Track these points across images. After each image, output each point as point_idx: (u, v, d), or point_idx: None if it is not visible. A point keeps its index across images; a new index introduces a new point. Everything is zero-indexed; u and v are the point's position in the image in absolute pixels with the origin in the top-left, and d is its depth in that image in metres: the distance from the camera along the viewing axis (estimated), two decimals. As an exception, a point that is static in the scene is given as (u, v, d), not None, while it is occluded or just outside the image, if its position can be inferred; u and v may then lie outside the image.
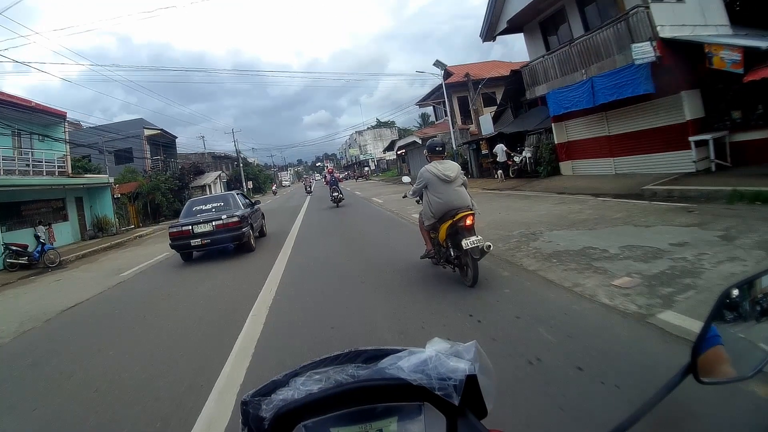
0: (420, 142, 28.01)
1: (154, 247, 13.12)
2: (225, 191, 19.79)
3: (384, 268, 5.70)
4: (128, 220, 23.35)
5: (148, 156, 30.20)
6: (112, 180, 21.55)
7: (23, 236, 13.76)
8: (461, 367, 0.60)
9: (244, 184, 44.97)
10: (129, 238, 17.52)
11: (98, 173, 21.86)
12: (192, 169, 32.58)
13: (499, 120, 20.31)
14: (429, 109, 42.25)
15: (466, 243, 4.08)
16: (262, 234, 11.14)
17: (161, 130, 32.68)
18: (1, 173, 14.52)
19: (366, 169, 58.07)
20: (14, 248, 12.56)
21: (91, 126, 25.45)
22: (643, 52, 9.59)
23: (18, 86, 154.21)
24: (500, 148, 16.67)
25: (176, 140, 36.13)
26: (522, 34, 15.32)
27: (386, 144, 49.19)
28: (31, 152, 17.05)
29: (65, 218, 18.43)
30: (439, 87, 24.65)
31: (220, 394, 2.81)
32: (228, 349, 3.58)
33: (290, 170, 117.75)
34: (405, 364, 0.61)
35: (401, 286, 4.77)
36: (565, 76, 12.54)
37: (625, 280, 3.94)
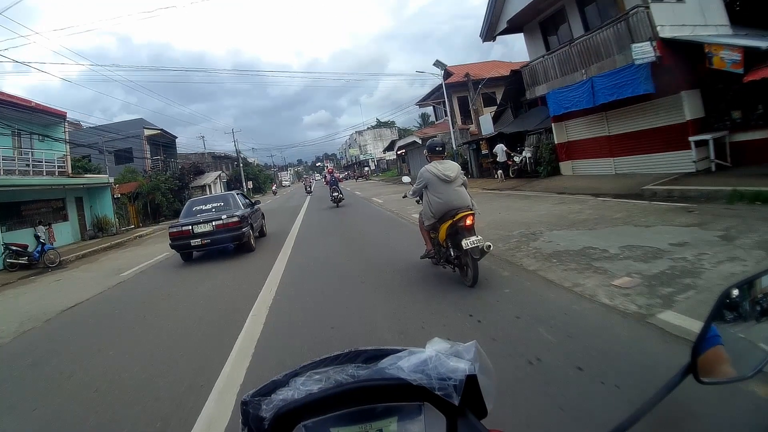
0: (420, 142, 28.01)
1: (154, 247, 13.11)
2: (225, 191, 19.80)
3: (384, 268, 5.70)
4: (128, 220, 23.35)
5: (148, 156, 30.20)
6: (112, 180, 21.55)
7: (23, 236, 13.76)
8: (461, 367, 0.60)
9: (244, 184, 44.96)
10: (129, 238, 17.52)
11: (98, 173, 21.86)
12: (192, 169, 32.58)
13: (499, 120, 20.31)
14: (429, 109, 42.26)
15: (466, 243, 4.08)
16: (262, 234, 11.14)
17: (161, 130, 32.68)
18: (1, 173, 14.53)
19: (366, 169, 58.06)
20: (14, 248, 12.56)
21: (91, 126, 25.47)
22: (643, 52, 9.58)
23: (18, 86, 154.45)
24: (500, 148, 16.67)
25: (176, 140, 36.15)
26: (522, 34, 15.31)
27: (386, 144, 49.19)
28: (31, 152, 17.05)
29: (65, 218, 18.43)
30: (439, 87, 24.65)
31: (220, 394, 2.81)
32: (228, 349, 3.58)
33: (290, 170, 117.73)
34: (405, 364, 0.61)
35: (401, 286, 4.76)
36: (565, 76, 12.53)
37: (625, 280, 3.94)
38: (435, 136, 21.63)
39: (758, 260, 3.94)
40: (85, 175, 20.50)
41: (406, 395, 0.61)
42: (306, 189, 31.38)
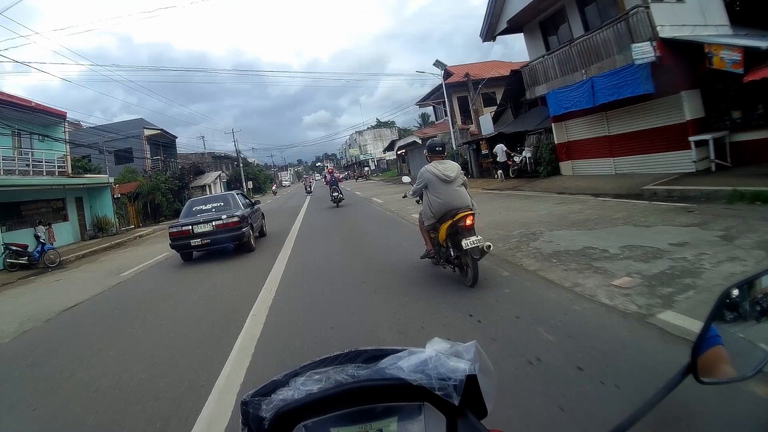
0: (420, 142, 28.01)
1: (153, 248, 13.11)
2: (225, 191, 19.81)
3: (384, 268, 5.69)
4: (128, 220, 23.35)
5: (148, 156, 30.18)
6: (112, 180, 21.53)
7: (23, 236, 13.76)
8: (461, 367, 0.60)
9: (244, 184, 44.95)
10: (129, 238, 17.51)
11: (98, 173, 21.86)
12: (192, 169, 32.58)
13: (499, 120, 20.31)
14: (429, 110, 42.25)
15: (466, 243, 4.09)
16: (262, 234, 11.15)
17: (161, 130, 32.67)
18: (1, 173, 14.52)
19: (366, 169, 58.03)
20: (14, 248, 12.56)
21: (91, 126, 25.47)
22: (643, 52, 9.58)
23: (19, 86, 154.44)
24: (500, 148, 16.66)
25: (176, 140, 36.13)
26: (522, 34, 15.31)
27: (386, 144, 49.19)
28: (31, 152, 17.04)
29: (65, 218, 18.42)
30: (439, 87, 24.65)
31: (220, 394, 2.80)
32: (228, 349, 3.58)
33: (290, 170, 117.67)
34: (405, 364, 0.61)
35: (401, 286, 4.76)
36: (565, 76, 12.53)
37: (625, 280, 3.94)
38: (435, 136, 21.64)
39: (758, 260, 3.94)
40: (85, 175, 20.49)
41: (406, 395, 0.61)
42: (306, 189, 31.36)
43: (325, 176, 23.12)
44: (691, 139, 9.55)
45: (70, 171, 18.81)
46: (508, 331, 3.07)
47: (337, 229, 10.84)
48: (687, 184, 8.39)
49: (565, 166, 14.16)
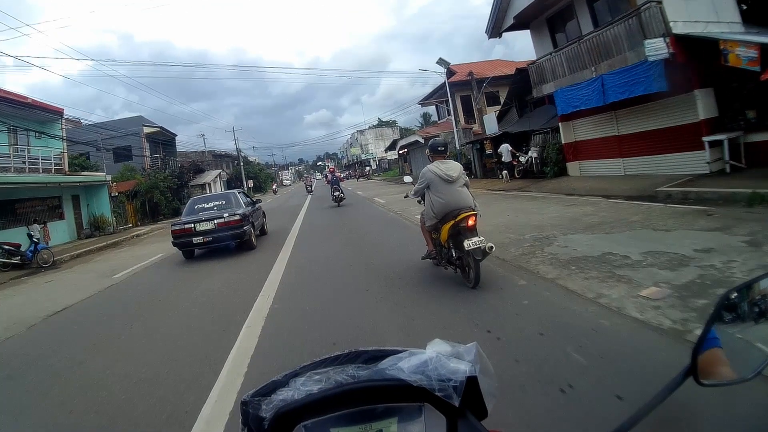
0: (422, 142, 27.70)
1: (150, 247, 12.81)
2: (225, 190, 19.61)
3: (389, 274, 5.36)
4: (126, 219, 23.01)
5: (148, 154, 29.84)
6: (109, 178, 21.21)
7: (17, 235, 13.42)
8: (461, 368, 0.60)
9: (245, 182, 44.69)
10: (126, 238, 17.21)
11: (96, 171, 21.56)
12: (192, 168, 32.28)
13: (503, 119, 19.97)
14: (430, 109, 41.96)
15: (468, 244, 4.04)
16: (263, 232, 11.12)
17: (160, 127, 32.33)
18: (-3, 170, 14.23)
19: (367, 168, 57.71)
20: (6, 247, 12.22)
21: (90, 123, 25.17)
22: (656, 48, 9.25)
23: (20, 84, 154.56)
24: (505, 148, 16.33)
25: (176, 138, 35.81)
26: (528, 31, 14.99)
27: (388, 143, 48.82)
28: (27, 149, 16.70)
29: (61, 217, 18.12)
30: (442, 86, 24.31)
31: (206, 424, 2.47)
32: (219, 367, 3.24)
33: (291, 169, 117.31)
34: (405, 365, 0.61)
35: (408, 295, 4.45)
36: (573, 73, 12.18)
37: (653, 290, 3.62)
38: (438, 136, 21.31)
39: (797, 269, 3.62)
40: (82, 173, 20.20)
41: (406, 396, 0.60)
42: (307, 188, 31.12)
43: (326, 175, 23.03)
44: (705, 139, 9.24)
45: (67, 169, 18.51)
46: (533, 352, 2.71)
47: (338, 229, 10.57)
48: (703, 185, 8.09)
49: (573, 167, 13.82)
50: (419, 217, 5.25)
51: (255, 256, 8.24)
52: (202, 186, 31.73)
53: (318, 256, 7.29)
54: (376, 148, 63.40)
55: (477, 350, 0.63)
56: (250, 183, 48.00)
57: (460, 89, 24.77)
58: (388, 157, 55.80)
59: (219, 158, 46.16)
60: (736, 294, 0.78)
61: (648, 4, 9.59)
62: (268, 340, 3.70)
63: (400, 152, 39.39)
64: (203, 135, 65.24)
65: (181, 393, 2.87)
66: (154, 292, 6.66)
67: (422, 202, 4.90)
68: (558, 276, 4.35)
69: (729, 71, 8.66)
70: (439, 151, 4.66)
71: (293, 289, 5.36)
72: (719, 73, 9.13)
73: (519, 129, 17.41)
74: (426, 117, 52.80)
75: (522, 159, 16.08)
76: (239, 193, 10.39)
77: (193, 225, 8.64)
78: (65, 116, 19.75)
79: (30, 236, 12.45)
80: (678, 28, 9.31)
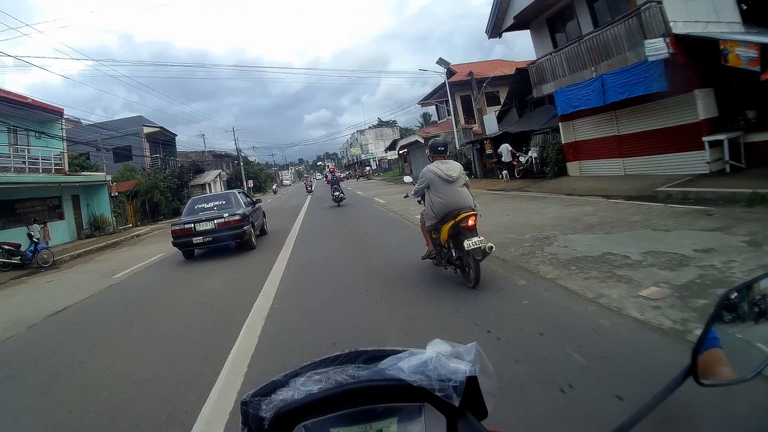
0: (422, 142, 27.69)
1: (150, 247, 12.81)
2: (225, 190, 19.61)
3: (388, 274, 5.37)
4: (126, 219, 23.01)
5: (148, 154, 29.83)
6: (109, 178, 21.21)
7: (17, 235, 13.41)
8: (461, 368, 0.60)
9: (245, 182, 44.67)
10: (126, 238, 17.21)
11: (96, 171, 21.55)
12: (192, 168, 32.27)
13: (503, 119, 19.97)
14: (430, 109, 41.95)
15: (468, 244, 4.05)
16: (263, 232, 11.13)
17: (160, 127, 32.32)
18: (-4, 170, 14.23)
19: (367, 168, 57.70)
20: (6, 247, 12.22)
21: (90, 123, 25.16)
22: (656, 48, 9.25)
23: (20, 84, 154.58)
24: (505, 148, 16.33)
25: (176, 138, 35.80)
26: (528, 31, 14.99)
27: (388, 143, 48.82)
28: (27, 149, 16.70)
29: (61, 217, 18.11)
30: (442, 86, 24.31)
31: (206, 424, 2.47)
32: (219, 367, 3.25)
33: (291, 169, 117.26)
34: (405, 365, 0.61)
35: (408, 295, 4.45)
36: (574, 73, 12.18)
37: (653, 290, 3.62)
38: (437, 136, 21.31)
39: (797, 269, 3.62)
40: (82, 173, 20.18)
41: (406, 396, 0.60)
42: (306, 188, 31.11)
43: (326, 175, 23.04)
44: (705, 139, 9.24)
45: (66, 169, 18.51)
46: (533, 352, 2.72)
47: (338, 229, 10.57)
48: (702, 186, 8.09)
49: (573, 167, 13.82)
50: (419, 217, 5.25)
51: (255, 256, 8.25)
52: (202, 186, 31.72)
53: (318, 256, 7.30)
54: (376, 148, 63.38)
55: (477, 350, 0.63)
56: (250, 183, 47.98)
57: (460, 89, 24.77)
58: (388, 157, 55.78)
59: (219, 158, 46.15)
60: (736, 294, 0.78)
61: (648, 4, 9.59)
62: (268, 340, 3.70)
63: (400, 152, 39.39)
64: (203, 135, 65.32)
65: (181, 393, 2.87)
66: (154, 292, 6.66)
67: (422, 202, 4.90)
68: (558, 276, 4.35)
69: (729, 71, 8.65)
70: (439, 151, 4.66)
71: (293, 289, 5.36)
72: (719, 73, 9.13)
73: (519, 129, 17.40)
74: (426, 117, 52.79)
75: (522, 159, 16.08)
76: (239, 193, 10.40)
77: (193, 225, 8.65)
78: (65, 116, 19.75)
79: (30, 236, 12.45)
80: (678, 28, 9.32)
